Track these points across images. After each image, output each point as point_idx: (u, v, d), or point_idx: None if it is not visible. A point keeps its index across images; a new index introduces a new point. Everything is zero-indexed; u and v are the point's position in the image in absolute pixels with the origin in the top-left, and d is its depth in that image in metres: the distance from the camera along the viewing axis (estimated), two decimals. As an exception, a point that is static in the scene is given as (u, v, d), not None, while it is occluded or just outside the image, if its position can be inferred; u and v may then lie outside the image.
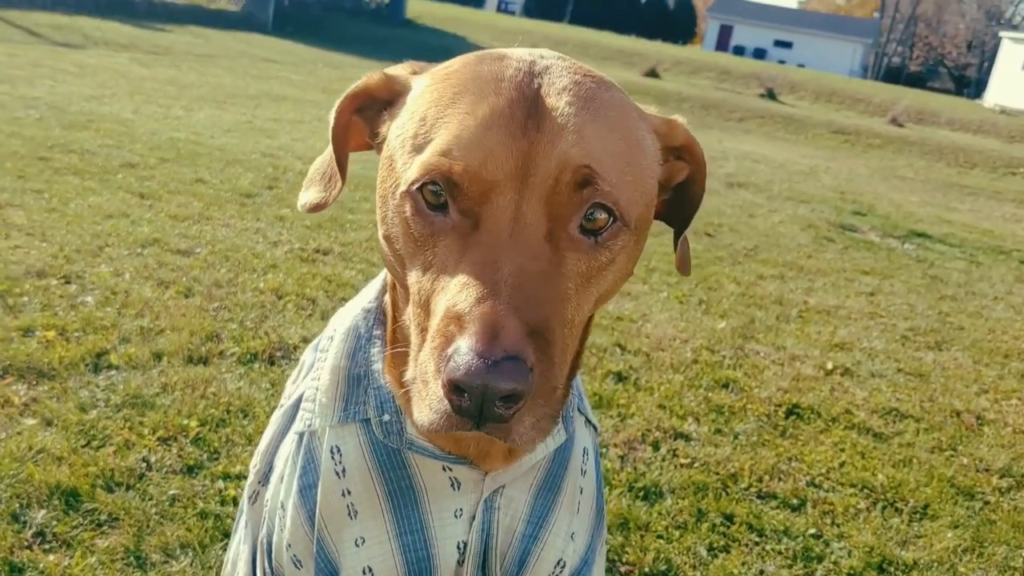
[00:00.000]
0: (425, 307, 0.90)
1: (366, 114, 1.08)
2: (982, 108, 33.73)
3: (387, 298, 1.14)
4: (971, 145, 20.69)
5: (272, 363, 3.51)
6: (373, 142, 1.06)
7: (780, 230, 8.15)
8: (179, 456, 2.74)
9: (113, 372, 3.21)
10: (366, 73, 1.08)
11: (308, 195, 1.13)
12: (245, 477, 2.65)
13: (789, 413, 3.89)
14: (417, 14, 33.75)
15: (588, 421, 1.29)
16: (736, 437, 3.55)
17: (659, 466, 3.20)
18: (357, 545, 1.12)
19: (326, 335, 1.25)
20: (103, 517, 2.40)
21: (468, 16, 37.60)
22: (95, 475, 2.55)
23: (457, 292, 0.84)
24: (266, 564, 1.20)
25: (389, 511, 1.11)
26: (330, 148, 1.10)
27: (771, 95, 25.53)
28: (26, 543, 2.25)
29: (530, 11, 56.47)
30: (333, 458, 1.12)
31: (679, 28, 58.86)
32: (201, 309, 3.92)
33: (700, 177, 1.09)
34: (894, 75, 59.45)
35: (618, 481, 3.04)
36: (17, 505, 2.38)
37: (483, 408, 0.79)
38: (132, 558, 2.26)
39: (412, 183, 0.91)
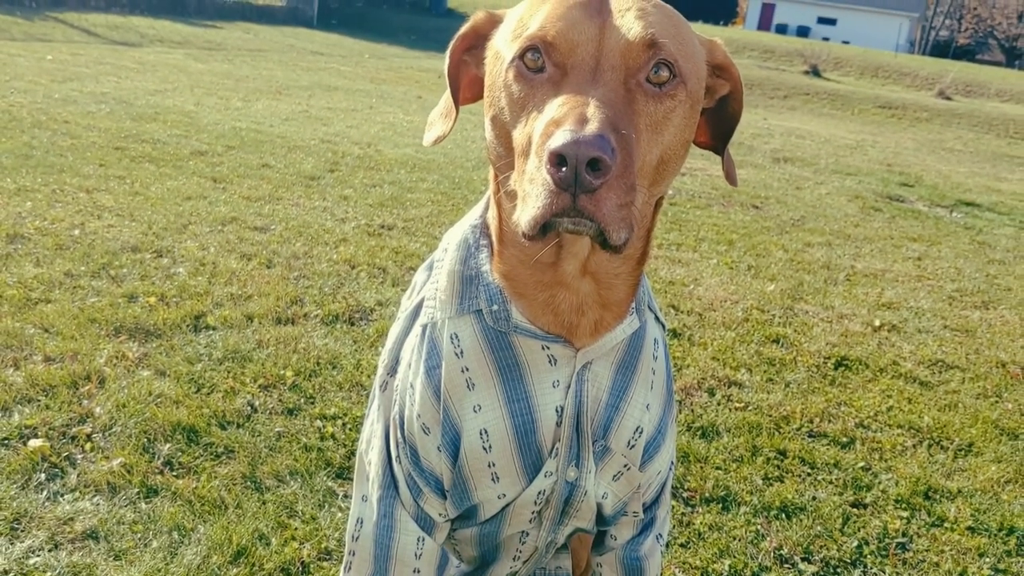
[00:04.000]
0: (527, 150, 1.13)
1: (473, 53, 1.34)
2: (1034, 79, 33.11)
3: (491, 213, 1.39)
4: (1022, 116, 20.43)
5: (352, 323, 3.79)
6: (480, 71, 1.32)
7: (827, 201, 8.28)
8: (279, 400, 3.04)
9: (211, 332, 3.52)
10: (472, 14, 1.37)
11: (431, 133, 1.40)
12: (340, 418, 2.95)
13: (838, 364, 4.09)
14: (459, 3, 34.04)
15: (657, 318, 1.54)
16: (787, 385, 3.76)
17: (715, 409, 3.43)
18: (475, 411, 1.38)
19: (440, 249, 1.51)
20: (220, 449, 2.70)
21: (510, 4, 37.69)
22: (208, 416, 2.86)
23: (553, 111, 1.09)
24: (399, 434, 1.47)
25: (500, 383, 1.37)
26: (447, 90, 1.37)
27: (815, 72, 25.39)
28: (157, 470, 2.56)
29: (571, -4, 56.30)
30: (452, 342, 1.39)
31: (720, 8, 58.28)
32: (283, 278, 4.22)
33: (738, 95, 1.37)
34: (942, 49, 58.37)
35: (677, 422, 3.27)
36: (145, 439, 2.69)
37: (577, 175, 1.01)
38: (249, 482, 2.56)
39: (516, 51, 1.18)
